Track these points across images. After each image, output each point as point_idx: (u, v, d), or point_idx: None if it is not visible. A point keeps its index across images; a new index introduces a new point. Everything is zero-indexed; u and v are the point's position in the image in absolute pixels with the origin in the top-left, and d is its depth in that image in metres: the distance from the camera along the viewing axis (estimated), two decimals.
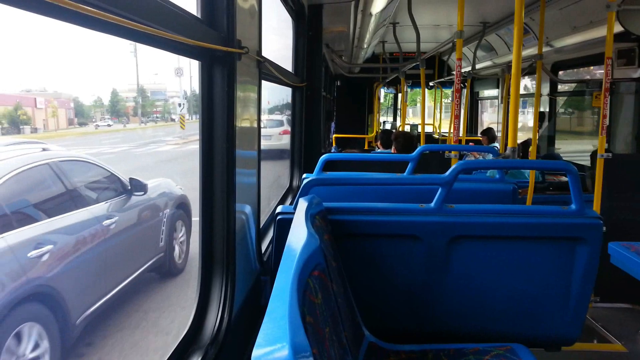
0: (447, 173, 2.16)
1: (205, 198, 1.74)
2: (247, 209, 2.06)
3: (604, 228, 2.13)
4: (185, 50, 1.47)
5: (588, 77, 6.65)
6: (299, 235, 1.49)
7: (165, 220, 4.78)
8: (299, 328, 0.92)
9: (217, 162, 1.74)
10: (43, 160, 3.53)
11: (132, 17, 1.04)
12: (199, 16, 1.59)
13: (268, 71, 2.41)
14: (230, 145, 1.73)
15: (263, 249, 2.47)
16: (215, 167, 1.74)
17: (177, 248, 4.93)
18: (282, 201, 3.87)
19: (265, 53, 2.30)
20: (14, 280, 2.92)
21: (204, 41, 1.45)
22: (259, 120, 2.21)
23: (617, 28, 3.44)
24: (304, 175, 3.13)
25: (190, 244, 5.07)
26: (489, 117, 11.34)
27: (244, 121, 1.93)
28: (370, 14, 4.52)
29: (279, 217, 2.16)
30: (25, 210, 3.26)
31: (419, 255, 2.14)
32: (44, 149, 3.66)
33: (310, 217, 1.79)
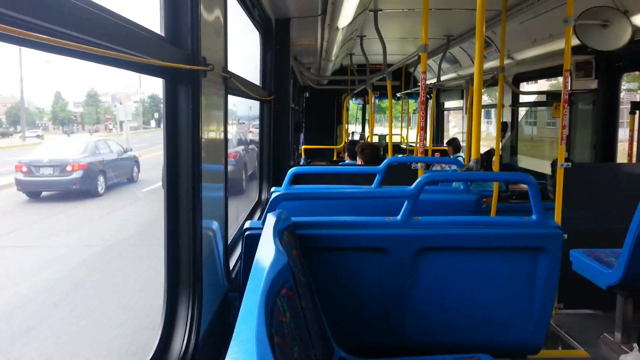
0: (413, 186, 2.18)
1: (170, 214, 1.71)
2: (214, 224, 2.04)
3: (565, 236, 2.19)
4: (148, 70, 1.45)
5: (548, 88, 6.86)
6: (266, 252, 1.48)
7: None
8: (267, 350, 0.91)
9: (183, 178, 1.71)
10: None
11: (92, 40, 1.02)
12: (163, 34, 1.57)
13: (234, 86, 2.40)
14: (196, 160, 1.71)
15: (231, 265, 2.44)
16: (181, 183, 1.71)
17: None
18: (250, 216, 3.84)
19: (231, 66, 2.30)
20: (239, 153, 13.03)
21: (167, 60, 1.43)
22: (225, 134, 2.20)
23: (575, 41, 3.56)
24: (273, 189, 3.12)
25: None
26: (456, 125, 11.55)
27: (210, 136, 1.92)
28: (337, 28, 4.57)
29: (247, 233, 2.14)
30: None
31: (387, 268, 2.16)
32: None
33: (279, 232, 1.78)
